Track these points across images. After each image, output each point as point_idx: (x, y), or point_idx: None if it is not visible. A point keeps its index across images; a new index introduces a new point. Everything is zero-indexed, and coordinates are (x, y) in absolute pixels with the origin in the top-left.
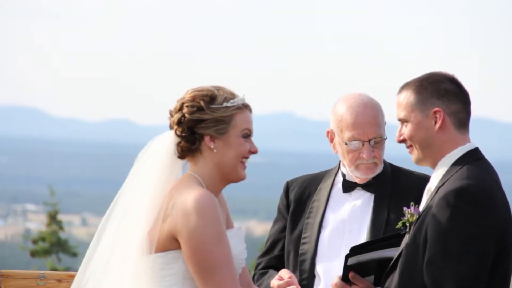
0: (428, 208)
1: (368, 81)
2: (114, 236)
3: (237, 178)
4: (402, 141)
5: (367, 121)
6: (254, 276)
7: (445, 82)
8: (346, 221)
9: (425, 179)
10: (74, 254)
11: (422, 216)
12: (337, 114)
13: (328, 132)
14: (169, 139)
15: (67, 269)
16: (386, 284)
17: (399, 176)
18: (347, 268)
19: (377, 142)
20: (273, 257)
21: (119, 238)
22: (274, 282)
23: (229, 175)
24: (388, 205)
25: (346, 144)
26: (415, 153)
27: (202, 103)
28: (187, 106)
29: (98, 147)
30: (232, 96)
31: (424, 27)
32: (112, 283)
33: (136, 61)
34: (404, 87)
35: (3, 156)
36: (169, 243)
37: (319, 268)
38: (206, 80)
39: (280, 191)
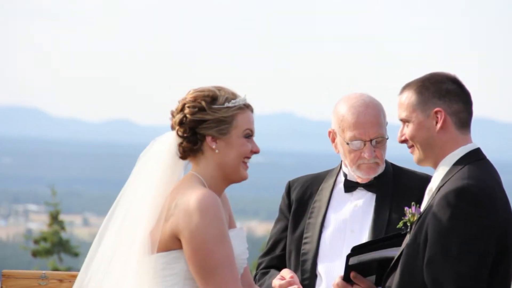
0: (428, 207)
1: (368, 81)
2: (116, 236)
3: (239, 178)
4: (404, 141)
5: (369, 121)
6: (255, 276)
7: (446, 82)
8: (347, 221)
9: (427, 179)
10: (76, 254)
11: (423, 216)
12: (339, 114)
13: (329, 132)
14: (170, 140)
15: (68, 269)
16: (387, 284)
17: (401, 176)
18: (348, 268)
19: (379, 142)
20: (275, 257)
21: (121, 238)
22: (276, 282)
23: (231, 175)
24: (390, 205)
25: (347, 144)
26: (417, 153)
27: (203, 103)
28: (188, 107)
29: (99, 147)
30: (234, 96)
31: (424, 27)
32: (114, 283)
33: (136, 61)
34: (406, 87)
35: (5, 156)
36: (171, 243)
37: (320, 268)
38: (207, 80)
39: (281, 191)
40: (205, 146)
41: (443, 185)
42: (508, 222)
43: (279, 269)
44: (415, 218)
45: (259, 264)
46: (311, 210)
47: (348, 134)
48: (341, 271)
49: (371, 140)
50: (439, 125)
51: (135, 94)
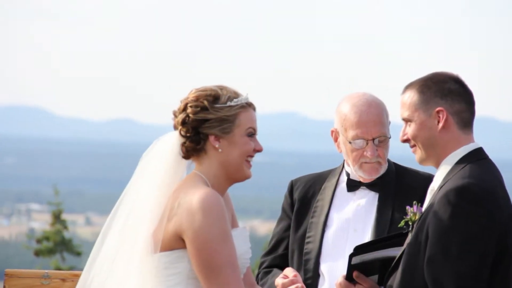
0: (429, 207)
1: (368, 81)
2: (119, 236)
3: (243, 177)
4: (406, 140)
5: (371, 120)
6: (258, 275)
7: (449, 82)
8: (350, 220)
9: (430, 179)
10: (78, 254)
11: (424, 215)
12: (341, 113)
13: (332, 132)
14: (173, 140)
15: (71, 268)
16: (389, 283)
17: (404, 175)
18: (351, 268)
19: (381, 141)
20: (277, 256)
21: (124, 237)
22: (279, 280)
23: (235, 174)
24: (393, 204)
25: (350, 143)
26: (419, 153)
27: (206, 103)
28: (191, 106)
29: (102, 146)
30: (236, 95)
31: (424, 27)
32: (117, 282)
33: (136, 61)
34: (408, 86)
35: (7, 156)
36: (174, 242)
37: (323, 268)
38: (208, 80)
39: (283, 190)
40: (208, 146)
41: (444, 184)
42: (509, 222)
43: (282, 268)
44: (417, 217)
45: (262, 263)
46: (314, 210)
47: (351, 133)
48: (343, 271)
49: (373, 139)
50: (441, 125)
51: (137, 93)
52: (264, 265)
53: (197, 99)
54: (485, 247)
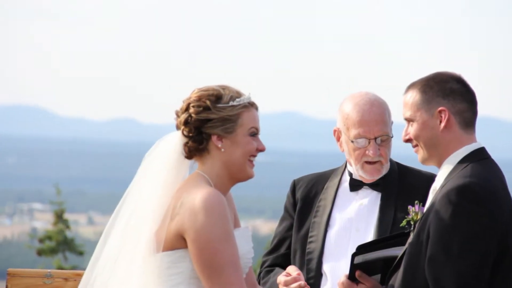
0: (431, 206)
1: (368, 81)
2: (122, 235)
3: (246, 176)
4: (408, 140)
5: (373, 119)
6: (259, 274)
7: (451, 81)
8: (353, 220)
9: (432, 178)
10: (81, 253)
11: (426, 214)
12: (344, 112)
13: (335, 131)
14: (176, 139)
15: (73, 268)
16: (390, 282)
17: (406, 175)
18: (353, 267)
19: (384, 140)
20: (280, 255)
21: (127, 237)
22: (281, 278)
23: (237, 173)
24: (395, 204)
25: (352, 142)
26: (421, 153)
27: (208, 102)
28: (193, 106)
29: (104, 146)
30: (238, 94)
31: (424, 27)
32: (120, 282)
33: (136, 61)
34: (411, 86)
35: (10, 155)
36: (176, 242)
37: (326, 267)
38: (208, 79)
39: (285, 190)
40: (210, 145)
41: (446, 184)
42: (510, 221)
43: (284, 267)
44: (419, 217)
45: (263, 262)
46: (316, 209)
47: (353, 132)
48: (346, 270)
49: (375, 138)
50: (443, 124)
51: (139, 93)
52: (266, 264)
53: (199, 99)
54: (486, 247)
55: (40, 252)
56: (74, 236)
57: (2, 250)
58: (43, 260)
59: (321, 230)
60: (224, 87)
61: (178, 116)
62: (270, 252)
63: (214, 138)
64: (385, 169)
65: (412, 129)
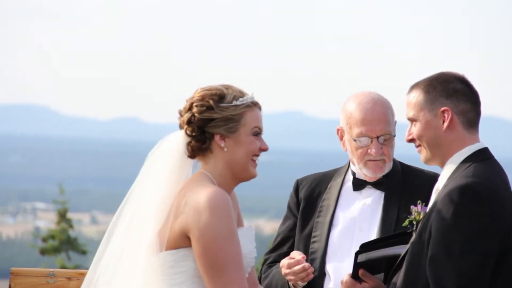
0: (433, 206)
1: (369, 81)
2: (125, 235)
3: (249, 176)
4: (411, 140)
5: (376, 117)
6: (261, 270)
7: (454, 81)
8: (356, 220)
9: (435, 178)
10: (84, 252)
11: (428, 214)
12: (347, 111)
13: (338, 130)
14: (179, 139)
15: (76, 267)
16: (393, 281)
17: (410, 174)
18: (357, 265)
19: (386, 139)
20: (282, 253)
21: (130, 236)
22: (285, 261)
23: (240, 173)
24: (399, 203)
25: (355, 140)
26: (424, 153)
27: (211, 102)
28: (196, 106)
29: (107, 145)
30: (241, 94)
31: (424, 27)
32: (123, 281)
33: (137, 61)
34: (414, 86)
35: (13, 155)
36: (180, 241)
37: (329, 267)
38: (210, 79)
39: (288, 189)
40: (213, 145)
41: (448, 183)
42: None
43: None
44: (421, 217)
45: (265, 260)
46: (320, 209)
47: (355, 131)
48: (349, 270)
49: (378, 137)
50: (446, 124)
51: (141, 93)
52: (269, 261)
53: (202, 98)
54: (488, 247)
55: (43, 251)
56: (77, 235)
57: (5, 249)
58: (46, 259)
59: (324, 230)
60: (227, 87)
61: (181, 115)
62: (272, 250)
63: (217, 137)
64: (387, 167)
65: (415, 129)
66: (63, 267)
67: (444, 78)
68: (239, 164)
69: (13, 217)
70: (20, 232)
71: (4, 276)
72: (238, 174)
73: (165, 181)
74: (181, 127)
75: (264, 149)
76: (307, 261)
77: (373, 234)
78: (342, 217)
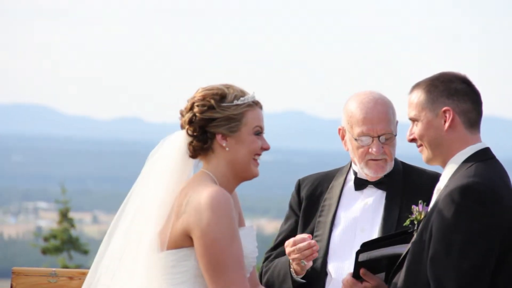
0: (434, 205)
1: (369, 81)
2: (126, 234)
3: (250, 175)
4: (413, 140)
5: (377, 117)
6: (262, 267)
7: (455, 81)
8: (358, 219)
9: (437, 177)
10: (85, 252)
11: (429, 213)
12: (348, 110)
13: (339, 130)
14: (180, 139)
15: (78, 267)
16: (394, 281)
17: (411, 174)
18: (358, 265)
19: (387, 138)
20: (283, 251)
21: (131, 236)
22: (290, 239)
23: (242, 172)
24: (400, 203)
25: (356, 140)
26: (425, 152)
27: (212, 101)
28: (197, 106)
29: (109, 145)
30: (242, 93)
31: (425, 27)
32: (124, 281)
33: (139, 61)
34: (416, 86)
35: (15, 154)
36: (182, 241)
37: (330, 267)
38: (213, 79)
39: (289, 189)
40: (215, 144)
41: (450, 183)
42: None
43: None
44: (422, 216)
45: (266, 258)
46: (322, 209)
47: (357, 130)
48: (351, 270)
49: (379, 136)
50: (447, 124)
51: (143, 92)
52: (270, 259)
53: (203, 98)
54: (488, 246)
55: (45, 251)
56: (79, 235)
57: (7, 248)
58: (48, 259)
59: (326, 229)
60: (228, 86)
61: (182, 115)
62: (273, 248)
63: (218, 137)
64: (389, 167)
65: (417, 129)
66: (65, 266)
67: (446, 78)
68: (241, 163)
69: (14, 216)
70: (21, 232)
71: (5, 276)
72: (240, 174)
73: (166, 181)
74: (182, 127)
75: (265, 148)
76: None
77: (374, 233)
78: (344, 217)
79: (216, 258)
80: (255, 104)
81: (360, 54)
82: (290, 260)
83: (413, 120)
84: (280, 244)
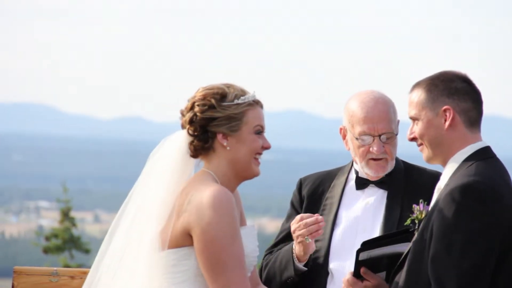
0: (435, 204)
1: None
2: (127, 234)
3: (251, 174)
4: (413, 139)
5: (378, 116)
6: (262, 264)
7: (456, 80)
8: (359, 219)
9: (438, 176)
10: (87, 251)
11: (430, 213)
12: (349, 110)
13: (340, 129)
14: (181, 139)
15: (79, 266)
16: (395, 280)
17: (412, 173)
18: (358, 264)
19: (388, 138)
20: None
21: (132, 235)
22: (298, 216)
23: (243, 171)
24: (401, 202)
25: (357, 139)
26: (426, 151)
27: (213, 101)
28: (198, 105)
29: (110, 144)
30: (243, 93)
31: (425, 27)
32: (125, 280)
33: (140, 60)
34: (416, 85)
35: (16, 153)
36: (182, 240)
37: (332, 266)
38: (214, 78)
39: (290, 188)
40: (216, 144)
41: (450, 182)
42: None
43: None
44: (423, 215)
45: (267, 255)
46: (323, 208)
47: (357, 129)
48: (352, 268)
49: (380, 136)
50: (447, 123)
51: (144, 92)
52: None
53: (204, 97)
54: (488, 245)
55: (46, 250)
56: (80, 234)
57: (9, 247)
58: (49, 258)
59: (327, 228)
60: (228, 86)
61: (183, 115)
62: (274, 245)
63: (219, 136)
64: (390, 166)
65: (417, 128)
66: (66, 265)
67: (446, 77)
68: (242, 162)
69: (16, 215)
70: (23, 231)
71: (7, 275)
72: (241, 173)
73: (167, 181)
74: (183, 126)
75: (266, 147)
76: (309, 259)
77: (376, 233)
78: (345, 216)
79: (216, 257)
80: (256, 103)
81: (360, 54)
82: (294, 243)
83: (414, 119)
84: (280, 241)
